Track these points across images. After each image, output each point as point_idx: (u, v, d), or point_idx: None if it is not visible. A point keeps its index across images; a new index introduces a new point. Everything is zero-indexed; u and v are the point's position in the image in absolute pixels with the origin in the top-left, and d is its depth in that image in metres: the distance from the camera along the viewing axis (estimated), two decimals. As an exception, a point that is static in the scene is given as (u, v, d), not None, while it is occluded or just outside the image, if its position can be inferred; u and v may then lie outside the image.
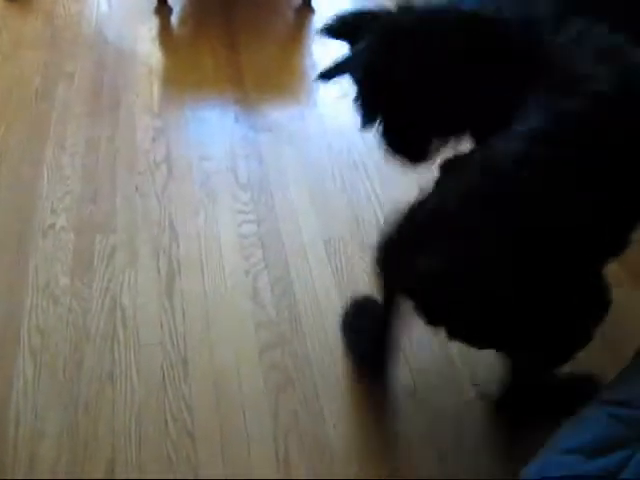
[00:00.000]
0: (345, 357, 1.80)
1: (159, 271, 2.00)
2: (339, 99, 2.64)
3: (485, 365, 1.77)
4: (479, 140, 1.54)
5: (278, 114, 2.57)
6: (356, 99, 1.59)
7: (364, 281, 1.98)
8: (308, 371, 1.77)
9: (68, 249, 2.05)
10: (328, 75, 1.60)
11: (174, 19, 3.12)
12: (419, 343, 1.83)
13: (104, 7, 3.18)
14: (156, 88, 2.67)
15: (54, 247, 2.05)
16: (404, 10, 1.49)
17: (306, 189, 2.27)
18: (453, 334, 1.42)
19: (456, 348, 1.80)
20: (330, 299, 1.94)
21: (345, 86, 2.65)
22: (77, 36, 2.96)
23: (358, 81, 1.57)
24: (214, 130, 2.49)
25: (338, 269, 2.02)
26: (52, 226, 2.11)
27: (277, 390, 1.73)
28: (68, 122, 2.49)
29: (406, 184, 2.29)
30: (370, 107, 1.58)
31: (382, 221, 2.16)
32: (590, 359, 1.56)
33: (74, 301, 1.91)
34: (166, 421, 1.66)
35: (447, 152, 1.59)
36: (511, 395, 1.65)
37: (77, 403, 1.69)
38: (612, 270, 1.42)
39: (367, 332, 1.74)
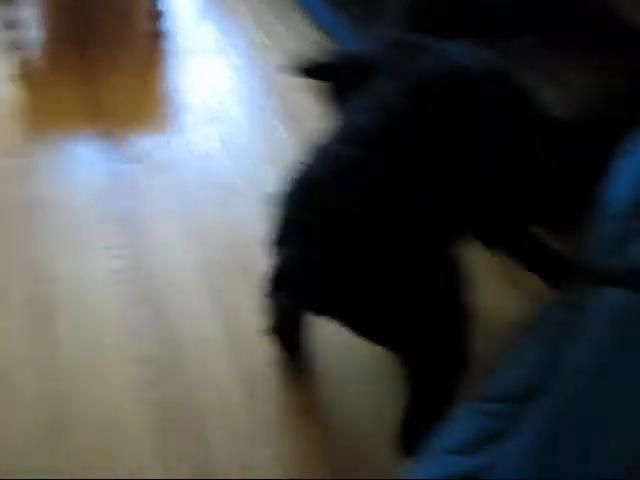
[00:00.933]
0: (230, 386, 1.78)
1: (33, 321, 1.91)
2: (204, 123, 2.62)
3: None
4: None
5: (144, 144, 2.52)
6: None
7: (245, 305, 1.97)
8: (193, 405, 1.73)
9: None
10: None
11: (30, 56, 3.03)
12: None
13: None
14: (18, 127, 2.58)
15: None
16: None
17: (179, 217, 2.23)
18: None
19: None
20: (211, 327, 1.91)
21: (210, 110, 2.67)
22: None
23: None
24: (80, 166, 2.43)
25: (217, 296, 1.99)
26: None
27: (160, 427, 1.69)
28: None
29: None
30: None
31: (257, 240, 2.15)
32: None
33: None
34: None
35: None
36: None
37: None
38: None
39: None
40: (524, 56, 2.14)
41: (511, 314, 1.92)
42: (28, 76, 2.92)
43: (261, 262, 2.04)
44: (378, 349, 1.48)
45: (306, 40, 3.09)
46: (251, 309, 1.95)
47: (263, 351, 1.82)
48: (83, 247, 2.12)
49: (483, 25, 2.18)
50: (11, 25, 3.03)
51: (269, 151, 2.49)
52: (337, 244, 1.35)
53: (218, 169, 2.42)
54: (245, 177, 2.39)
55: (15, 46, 3.04)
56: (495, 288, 1.99)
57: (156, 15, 3.12)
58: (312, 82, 1.67)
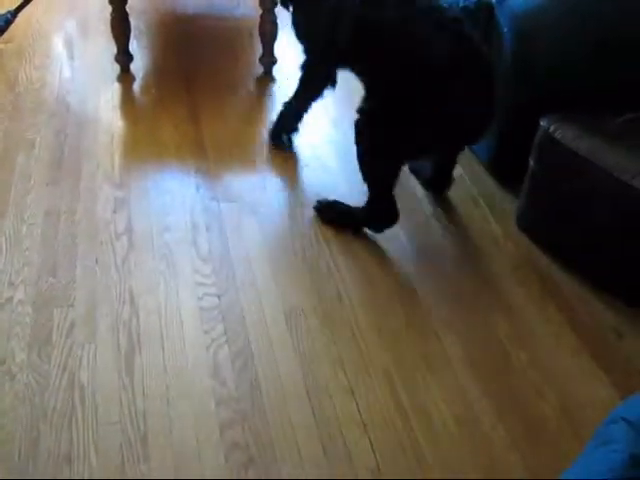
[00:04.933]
0: (307, 433, 1.80)
1: (119, 346, 1.98)
2: (300, 170, 2.68)
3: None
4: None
5: (239, 184, 2.59)
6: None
7: (325, 354, 1.99)
8: (270, 448, 1.76)
9: (26, 323, 2.02)
10: None
11: (136, 87, 3.15)
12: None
13: (67, 74, 3.20)
14: (117, 157, 2.68)
15: (11, 321, 2.02)
16: None
17: (267, 261, 2.28)
18: None
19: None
20: (291, 373, 1.93)
21: (305, 158, 2.72)
22: (39, 104, 2.96)
23: None
24: (175, 201, 2.49)
25: (299, 342, 2.02)
26: (10, 299, 2.09)
27: (238, 469, 1.71)
28: (28, 192, 2.48)
29: (367, 255, 2.33)
30: None
31: (343, 293, 2.18)
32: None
33: (31, 377, 1.88)
34: (124, 503, 1.64)
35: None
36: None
37: (33, 485, 1.66)
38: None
39: None
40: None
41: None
42: (132, 107, 3.04)
43: (344, 313, 2.11)
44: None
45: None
46: (330, 360, 1.98)
47: (339, 405, 1.86)
48: (173, 281, 2.18)
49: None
50: (120, 56, 3.17)
51: (361, 201, 2.52)
52: None
53: (308, 215, 2.46)
54: (333, 226, 2.42)
55: (121, 76, 3.17)
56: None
57: (268, 61, 3.21)
58: None
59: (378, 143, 2.27)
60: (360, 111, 2.30)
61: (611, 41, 2.37)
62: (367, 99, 2.32)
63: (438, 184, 2.62)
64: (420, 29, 2.20)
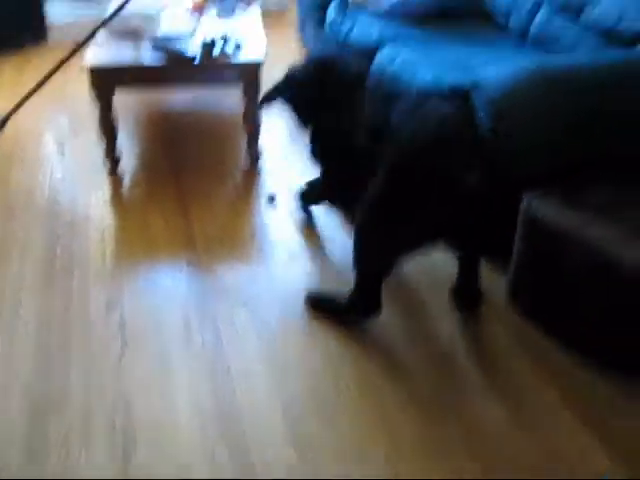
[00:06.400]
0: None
1: (114, 451, 1.96)
2: (289, 260, 2.70)
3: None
4: None
5: (230, 276, 2.61)
6: (292, 113, 2.64)
7: (326, 452, 1.97)
8: None
9: (22, 432, 2.01)
10: (268, 98, 2.60)
11: (126, 183, 3.20)
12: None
13: (57, 173, 3.26)
14: (109, 256, 2.71)
15: (6, 431, 2.01)
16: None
17: (261, 353, 2.28)
18: None
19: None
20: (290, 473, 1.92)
21: (293, 248, 2.75)
22: (31, 204, 3.01)
23: (290, 99, 2.61)
24: (168, 296, 2.51)
25: (298, 441, 2.00)
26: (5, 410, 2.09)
27: None
28: (21, 294, 2.50)
29: (361, 340, 2.33)
30: (301, 116, 2.63)
31: (340, 381, 2.18)
32: None
33: (28, 487, 1.87)
34: None
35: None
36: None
37: None
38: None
39: None
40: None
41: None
42: (122, 203, 3.08)
43: (341, 400, 2.11)
44: None
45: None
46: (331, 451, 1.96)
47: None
48: (168, 382, 2.17)
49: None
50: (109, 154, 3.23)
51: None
52: None
53: (300, 306, 2.47)
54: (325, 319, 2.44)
55: (111, 172, 3.23)
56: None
57: (253, 156, 3.28)
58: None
59: (378, 230, 2.24)
60: (362, 200, 2.26)
61: (585, 118, 2.43)
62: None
63: (466, 299, 2.51)
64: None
